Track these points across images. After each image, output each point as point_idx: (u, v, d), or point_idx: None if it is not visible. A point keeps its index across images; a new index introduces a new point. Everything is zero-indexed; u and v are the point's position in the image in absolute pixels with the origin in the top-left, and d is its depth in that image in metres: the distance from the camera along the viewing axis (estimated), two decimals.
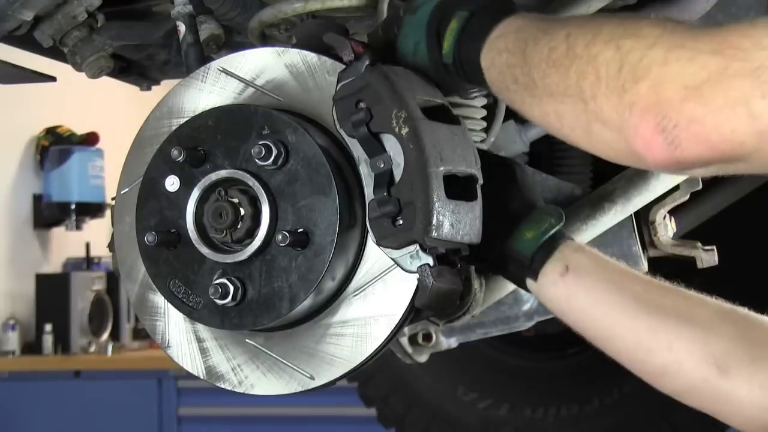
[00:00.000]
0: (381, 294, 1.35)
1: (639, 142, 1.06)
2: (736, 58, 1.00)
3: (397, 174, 1.29)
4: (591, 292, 1.32)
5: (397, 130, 1.28)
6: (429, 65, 1.35)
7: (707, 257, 1.82)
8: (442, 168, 1.28)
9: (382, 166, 1.30)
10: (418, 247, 1.29)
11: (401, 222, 1.28)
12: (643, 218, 1.87)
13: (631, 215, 1.84)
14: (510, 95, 1.24)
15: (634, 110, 1.06)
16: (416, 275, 1.30)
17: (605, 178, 1.88)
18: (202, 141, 1.39)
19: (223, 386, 1.43)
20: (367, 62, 1.33)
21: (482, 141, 1.64)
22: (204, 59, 1.59)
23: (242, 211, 1.36)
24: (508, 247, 1.39)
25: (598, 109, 1.10)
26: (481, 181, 1.34)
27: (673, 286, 1.32)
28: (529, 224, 1.38)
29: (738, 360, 1.22)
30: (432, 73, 1.35)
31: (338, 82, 1.34)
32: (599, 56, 1.09)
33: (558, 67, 1.14)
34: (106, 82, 2.14)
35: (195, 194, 1.39)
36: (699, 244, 1.84)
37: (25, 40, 1.85)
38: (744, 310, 1.28)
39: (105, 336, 5.56)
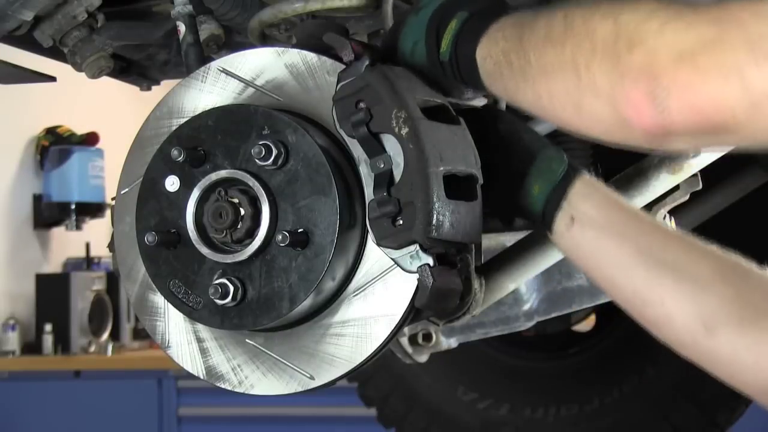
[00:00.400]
0: (381, 294, 1.35)
1: (629, 108, 1.06)
2: (733, 27, 1.00)
3: (397, 174, 1.29)
4: (594, 244, 1.32)
5: (397, 130, 1.28)
6: (426, 64, 1.35)
7: None
8: (442, 168, 1.28)
9: (382, 166, 1.30)
10: (418, 247, 1.29)
11: (401, 222, 1.28)
12: None
13: None
14: (504, 83, 1.24)
15: (626, 77, 1.05)
16: (416, 275, 1.30)
17: (606, 177, 1.88)
18: (202, 141, 1.39)
19: (223, 386, 1.43)
20: (367, 62, 1.33)
21: None
22: (204, 59, 1.59)
23: (242, 211, 1.36)
24: (520, 204, 1.38)
25: (591, 79, 1.09)
26: (481, 181, 1.34)
27: (678, 235, 1.31)
28: (534, 178, 1.37)
29: (725, 321, 1.22)
30: (428, 72, 1.35)
31: (338, 82, 1.34)
32: (597, 30, 1.09)
33: (554, 44, 1.14)
34: (106, 82, 2.14)
35: (195, 194, 1.39)
36: None
37: (25, 40, 1.85)
38: (747, 268, 1.27)
39: (105, 336, 5.56)
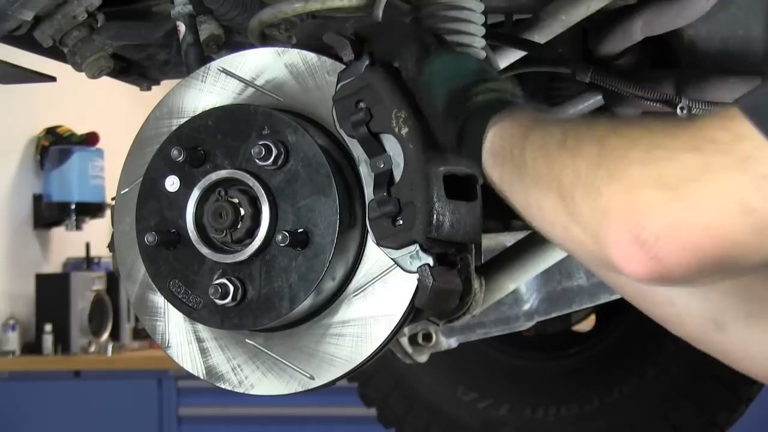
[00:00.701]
0: (381, 294, 1.35)
1: (616, 254, 0.96)
2: (718, 152, 0.91)
3: (397, 174, 1.29)
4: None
5: (397, 130, 1.28)
6: (446, 99, 1.26)
7: None
8: (441, 168, 1.28)
9: (381, 166, 1.30)
10: (418, 247, 1.29)
11: (401, 222, 1.28)
12: None
13: None
14: (502, 172, 1.15)
15: (609, 218, 0.96)
16: (416, 275, 1.30)
17: None
18: (202, 141, 1.39)
19: (223, 386, 1.43)
20: (367, 62, 1.33)
21: None
22: (204, 59, 1.58)
23: (242, 211, 1.36)
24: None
25: (576, 209, 1.00)
26: (481, 181, 1.34)
27: None
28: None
29: (733, 317, 1.22)
30: (437, 105, 1.27)
31: (338, 82, 1.34)
32: (584, 151, 1.01)
33: (547, 156, 1.06)
34: (106, 82, 2.14)
35: (195, 194, 1.39)
36: None
37: (25, 40, 1.85)
38: None
39: (105, 336, 5.56)
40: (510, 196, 1.15)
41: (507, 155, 1.13)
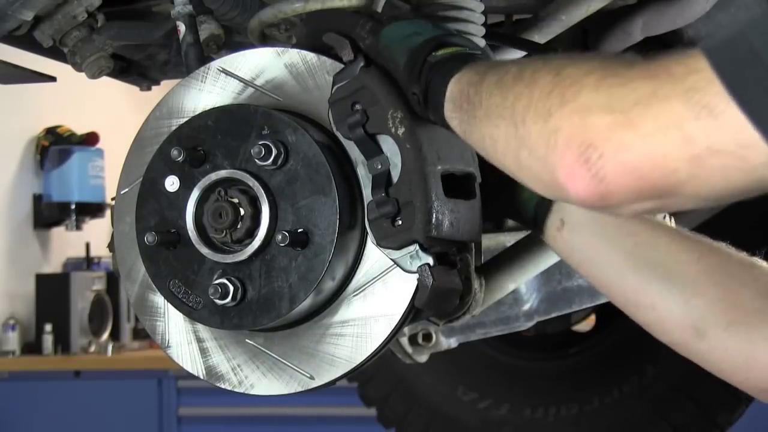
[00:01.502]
0: (381, 294, 1.35)
1: (562, 173, 0.99)
2: (669, 81, 0.93)
3: (395, 174, 1.29)
4: (585, 249, 1.32)
5: (393, 130, 1.29)
6: (407, 56, 1.28)
7: None
8: (439, 167, 1.28)
9: (379, 167, 1.30)
10: (417, 247, 1.29)
11: (400, 222, 1.28)
12: None
13: None
14: (459, 115, 1.18)
15: (558, 137, 0.98)
16: (416, 275, 1.30)
17: None
18: (202, 141, 1.39)
19: (223, 386, 1.43)
20: (362, 64, 1.33)
21: None
22: (204, 59, 1.58)
23: (242, 211, 1.36)
24: (510, 207, 1.38)
25: (527, 133, 1.03)
26: (479, 180, 1.34)
27: (666, 231, 1.30)
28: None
29: (714, 324, 1.22)
30: (398, 63, 1.29)
31: (333, 84, 1.34)
32: (539, 80, 1.03)
33: (502, 88, 1.09)
34: (106, 82, 2.14)
35: (195, 194, 1.39)
36: None
37: (25, 40, 1.85)
38: (737, 265, 1.26)
39: (105, 336, 5.56)
40: (468, 137, 1.17)
41: (464, 98, 1.16)
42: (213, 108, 1.42)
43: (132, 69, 2.15)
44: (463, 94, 1.17)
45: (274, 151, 1.33)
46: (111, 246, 1.52)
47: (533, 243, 1.65)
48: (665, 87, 0.93)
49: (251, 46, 1.52)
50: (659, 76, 0.94)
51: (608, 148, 0.95)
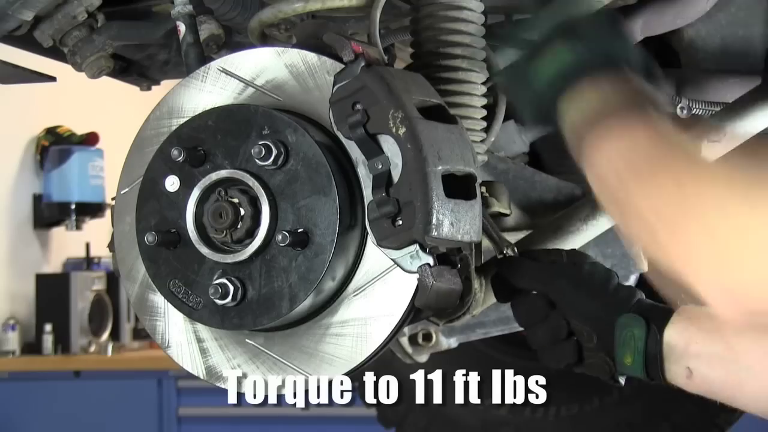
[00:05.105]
0: (381, 294, 1.35)
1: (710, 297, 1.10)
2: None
3: (396, 174, 1.29)
4: (724, 380, 1.32)
5: (394, 130, 1.29)
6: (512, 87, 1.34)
7: None
8: (440, 167, 1.28)
9: (380, 167, 1.30)
10: (418, 247, 1.29)
11: (401, 222, 1.28)
12: None
13: None
14: (604, 186, 1.22)
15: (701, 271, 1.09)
16: (416, 275, 1.30)
17: None
18: (202, 141, 1.39)
19: (223, 386, 1.43)
20: (363, 64, 1.33)
21: (482, 141, 1.64)
22: (204, 59, 1.58)
23: (242, 211, 1.36)
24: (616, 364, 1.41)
25: (661, 251, 1.12)
26: (479, 180, 1.34)
27: None
28: (622, 349, 1.36)
29: None
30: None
31: (334, 84, 1.34)
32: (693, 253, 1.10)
33: (642, 184, 1.14)
34: (106, 82, 2.14)
35: (195, 194, 1.39)
36: None
37: (25, 40, 1.85)
38: None
39: (105, 336, 5.56)
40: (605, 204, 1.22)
41: (612, 171, 1.19)
42: (213, 108, 1.42)
43: (132, 69, 2.15)
44: (611, 186, 1.20)
45: (275, 151, 1.33)
46: (111, 246, 1.52)
47: (533, 243, 1.65)
48: None
49: (251, 46, 1.52)
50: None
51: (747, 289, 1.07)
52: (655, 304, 1.33)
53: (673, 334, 1.30)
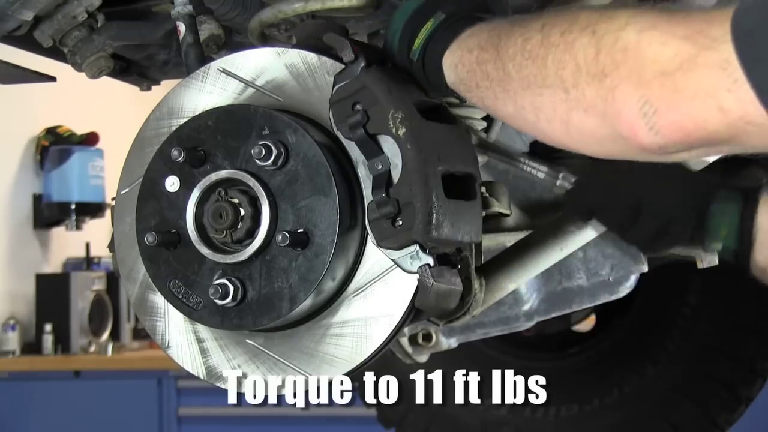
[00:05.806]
0: (381, 294, 1.35)
1: (624, 126, 1.07)
2: (706, 46, 1.00)
3: (396, 175, 1.29)
4: None
5: (394, 130, 1.28)
6: (397, 58, 1.35)
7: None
8: (440, 167, 1.28)
9: (380, 167, 1.30)
10: (418, 248, 1.29)
11: (401, 223, 1.28)
12: None
13: None
14: (480, 92, 1.24)
15: (616, 94, 1.06)
16: (416, 276, 1.30)
17: None
18: (202, 141, 1.39)
19: (223, 386, 1.43)
20: (363, 64, 1.33)
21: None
22: (204, 59, 1.59)
23: (242, 212, 1.36)
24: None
25: (581, 96, 1.10)
26: (480, 180, 1.34)
27: None
28: (717, 220, 1.44)
29: None
30: (401, 66, 1.36)
31: (334, 84, 1.34)
32: (575, 42, 1.10)
33: (534, 58, 1.14)
34: (106, 82, 2.14)
35: (195, 194, 1.39)
36: None
37: (25, 40, 1.85)
38: None
39: (105, 336, 5.56)
40: (497, 111, 1.24)
41: (478, 75, 1.22)
42: (213, 108, 1.42)
43: (132, 69, 2.15)
44: (475, 72, 1.23)
45: (275, 152, 1.33)
46: (111, 246, 1.52)
47: (533, 243, 1.65)
48: (703, 53, 1.00)
49: (251, 46, 1.52)
50: (697, 40, 1.01)
51: (660, 105, 1.03)
52: (744, 187, 1.40)
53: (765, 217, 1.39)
